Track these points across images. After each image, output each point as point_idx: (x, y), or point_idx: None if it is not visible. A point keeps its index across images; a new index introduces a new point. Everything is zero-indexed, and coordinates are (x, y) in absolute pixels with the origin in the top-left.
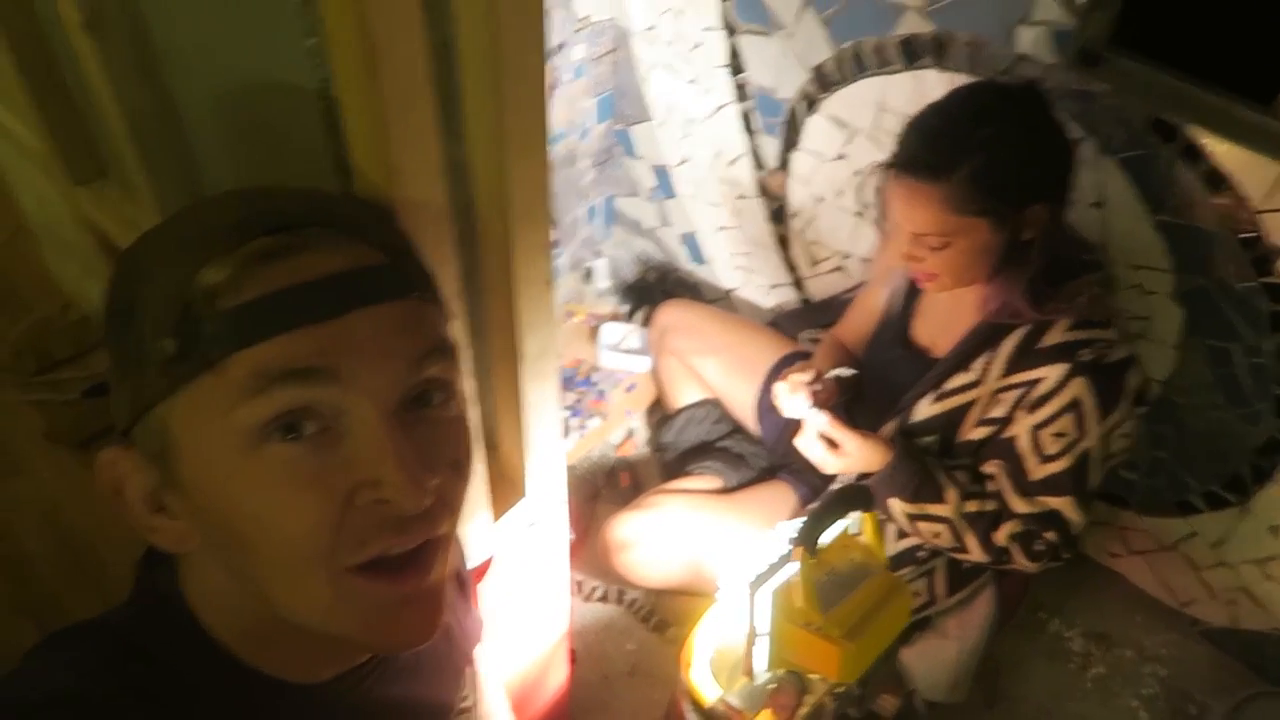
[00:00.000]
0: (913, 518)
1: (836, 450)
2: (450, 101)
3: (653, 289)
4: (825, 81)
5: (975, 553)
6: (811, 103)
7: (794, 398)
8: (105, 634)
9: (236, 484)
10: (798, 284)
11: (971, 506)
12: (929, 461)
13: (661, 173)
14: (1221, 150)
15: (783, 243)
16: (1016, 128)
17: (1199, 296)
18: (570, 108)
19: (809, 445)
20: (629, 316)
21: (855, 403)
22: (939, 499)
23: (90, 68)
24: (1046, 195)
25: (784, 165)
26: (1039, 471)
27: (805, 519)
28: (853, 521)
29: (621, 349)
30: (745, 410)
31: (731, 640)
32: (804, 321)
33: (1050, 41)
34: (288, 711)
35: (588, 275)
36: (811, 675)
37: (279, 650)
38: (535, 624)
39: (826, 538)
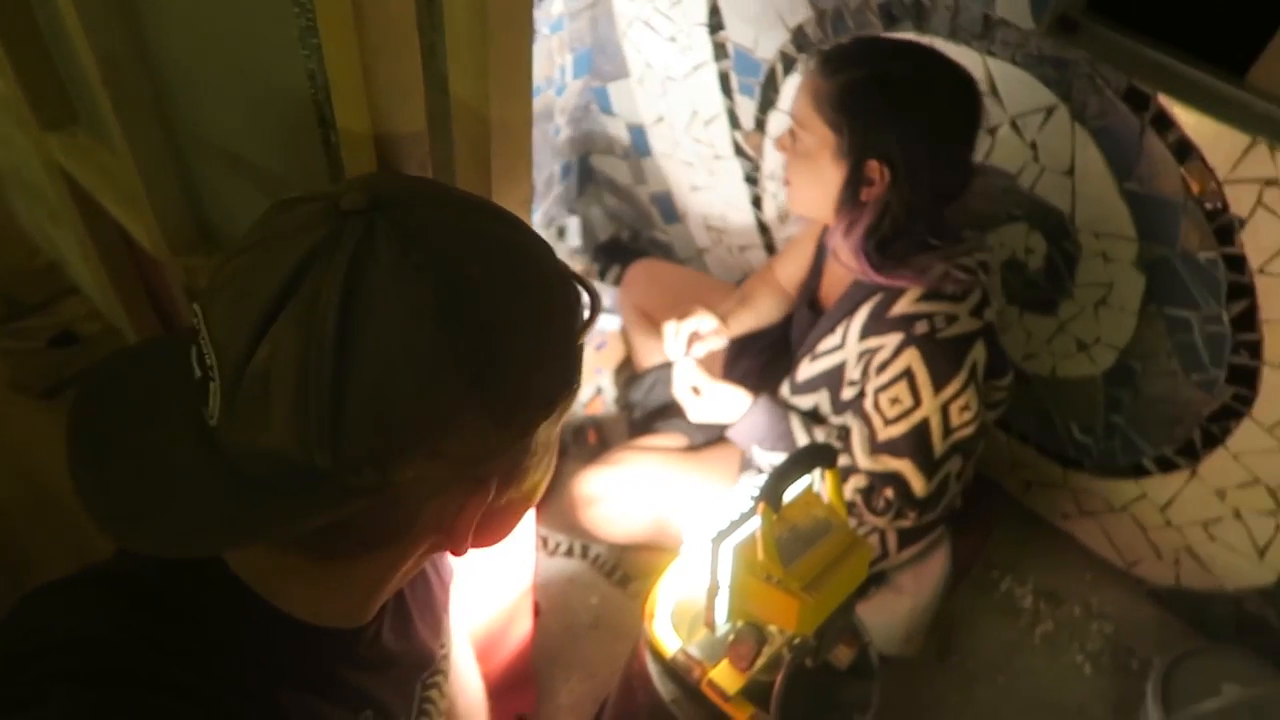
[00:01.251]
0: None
1: (699, 395)
2: (434, 52)
3: (625, 248)
4: (804, 42)
5: None
6: (790, 63)
7: (676, 340)
8: (117, 582)
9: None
10: (769, 246)
11: None
12: (788, 415)
13: (637, 131)
14: (1191, 121)
15: (757, 204)
16: (916, 90)
17: (1161, 265)
18: (547, 63)
19: (678, 389)
20: (601, 275)
21: (781, 360)
22: (793, 449)
23: (63, 8)
24: (894, 163)
25: (760, 126)
26: (883, 433)
27: (769, 475)
28: (816, 478)
29: None
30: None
31: (693, 593)
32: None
33: (1029, 7)
34: (322, 656)
35: (560, 233)
36: (770, 627)
37: (328, 601)
38: (500, 576)
39: (790, 494)
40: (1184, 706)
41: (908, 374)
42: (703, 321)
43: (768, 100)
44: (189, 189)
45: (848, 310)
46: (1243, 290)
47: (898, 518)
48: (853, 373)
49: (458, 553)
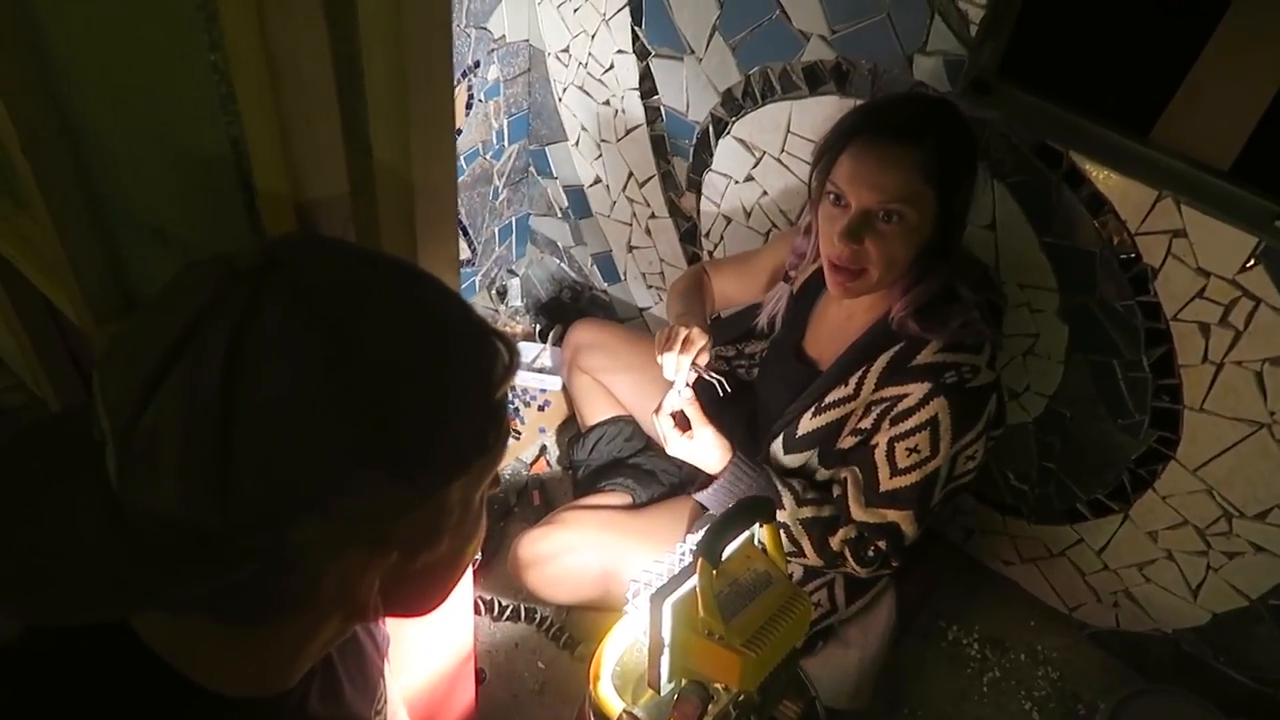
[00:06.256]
0: None
1: (687, 433)
2: (356, 117)
3: (566, 308)
4: (734, 105)
5: (810, 556)
6: (721, 125)
7: (680, 370)
8: (12, 660)
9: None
10: None
11: (807, 512)
12: (765, 471)
13: (575, 192)
14: (1101, 176)
15: (694, 262)
16: (957, 125)
17: (1082, 314)
18: (484, 127)
19: (664, 419)
20: (542, 335)
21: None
22: (778, 505)
23: None
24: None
25: (694, 186)
26: (888, 484)
27: (706, 530)
28: (755, 533)
29: (535, 367)
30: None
31: (638, 653)
32: (713, 338)
33: (944, 71)
34: None
35: (502, 293)
36: (715, 685)
37: (241, 669)
38: (437, 642)
39: (730, 550)
40: None
41: (932, 423)
42: (697, 351)
43: (701, 162)
44: (112, 257)
45: (862, 360)
46: (1160, 336)
47: (881, 566)
48: (861, 422)
49: (368, 620)
